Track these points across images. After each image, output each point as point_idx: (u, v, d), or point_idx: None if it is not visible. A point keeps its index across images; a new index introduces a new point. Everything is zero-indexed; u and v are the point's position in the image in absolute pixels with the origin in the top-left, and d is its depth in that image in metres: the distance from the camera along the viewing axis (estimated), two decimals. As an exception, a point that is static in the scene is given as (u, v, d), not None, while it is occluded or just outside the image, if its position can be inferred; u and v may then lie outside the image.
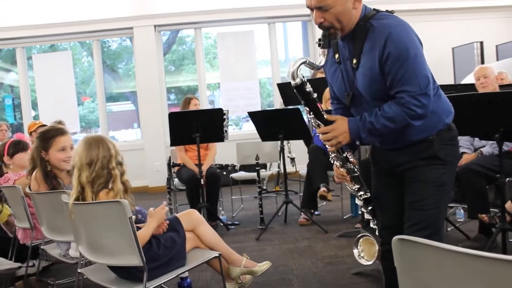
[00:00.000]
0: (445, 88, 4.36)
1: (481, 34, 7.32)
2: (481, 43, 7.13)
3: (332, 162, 2.05)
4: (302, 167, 4.90)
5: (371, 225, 2.10)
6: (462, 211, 4.13)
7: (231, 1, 7.26)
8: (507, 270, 0.90)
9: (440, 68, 7.19)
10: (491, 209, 3.41)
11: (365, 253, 2.03)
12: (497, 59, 7.22)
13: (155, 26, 7.32)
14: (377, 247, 1.99)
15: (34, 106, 7.69)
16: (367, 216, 2.08)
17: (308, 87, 1.84)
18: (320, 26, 1.80)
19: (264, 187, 5.87)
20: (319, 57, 1.81)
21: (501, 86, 4.41)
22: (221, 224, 4.50)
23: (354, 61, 1.84)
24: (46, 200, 2.64)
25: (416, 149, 1.88)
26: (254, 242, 4.02)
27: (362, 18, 1.81)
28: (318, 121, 1.90)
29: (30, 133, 5.13)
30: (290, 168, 5.63)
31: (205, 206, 4.36)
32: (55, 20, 7.15)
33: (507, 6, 7.89)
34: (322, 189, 4.14)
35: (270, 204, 5.26)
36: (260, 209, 4.43)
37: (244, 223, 4.68)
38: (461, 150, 3.79)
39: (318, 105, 1.90)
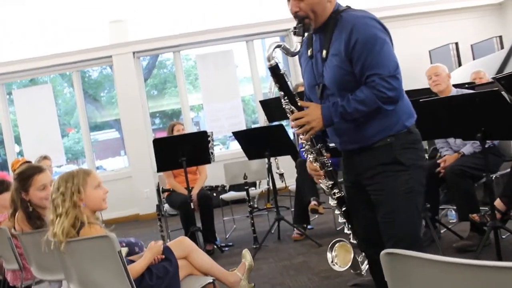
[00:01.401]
0: (423, 92, 4.44)
1: (456, 35, 7.44)
2: (456, 44, 7.24)
3: (305, 156, 2.04)
4: (291, 182, 4.90)
5: (345, 230, 2.09)
6: (453, 212, 4.14)
7: (208, 22, 7.29)
8: (498, 276, 0.90)
9: (419, 72, 7.28)
10: (481, 208, 3.43)
11: (339, 259, 2.00)
12: (474, 58, 7.33)
13: (133, 52, 7.33)
14: (352, 255, 1.97)
15: (18, 141, 7.61)
16: (341, 219, 2.07)
17: (283, 70, 1.87)
18: (295, 15, 1.85)
19: (255, 205, 5.85)
20: (294, 45, 1.86)
21: (478, 85, 4.48)
22: (215, 246, 4.46)
23: (324, 52, 1.88)
24: (32, 240, 2.59)
25: (376, 153, 1.89)
26: (249, 262, 3.99)
27: (334, 11, 1.87)
28: (292, 107, 1.91)
29: (14, 171, 5.06)
30: (279, 184, 5.62)
31: (199, 229, 4.32)
32: (34, 54, 7.11)
33: (479, 6, 8.06)
34: (313, 202, 4.13)
35: (263, 221, 5.23)
36: (253, 228, 4.40)
37: (238, 243, 4.65)
38: (444, 152, 3.82)
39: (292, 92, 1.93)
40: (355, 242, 2.08)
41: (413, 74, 7.64)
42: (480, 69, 5.26)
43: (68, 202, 2.11)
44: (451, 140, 3.80)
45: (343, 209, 2.04)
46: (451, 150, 3.78)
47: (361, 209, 2.03)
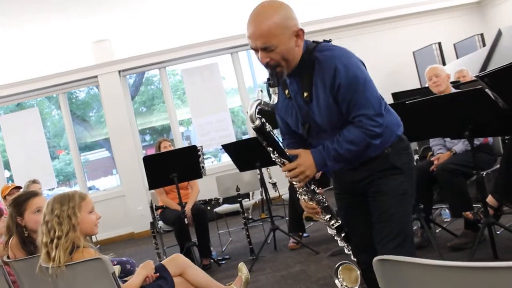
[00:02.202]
0: (410, 93, 4.47)
1: (438, 35, 7.53)
2: (439, 43, 7.32)
3: (299, 197, 2.05)
4: (285, 191, 4.89)
5: (346, 251, 2.10)
6: (447, 211, 4.15)
7: (192, 37, 7.31)
8: (492, 277, 0.89)
9: (404, 73, 7.37)
10: (474, 205, 3.45)
11: (346, 281, 2.00)
12: (457, 57, 7.41)
13: (119, 71, 7.31)
14: (358, 271, 1.98)
15: (7, 166, 7.55)
16: (340, 243, 2.08)
17: (268, 127, 1.85)
18: (267, 65, 1.84)
19: (250, 216, 5.83)
20: (272, 96, 1.84)
21: (463, 84, 4.52)
22: (212, 260, 4.43)
23: (305, 94, 1.89)
24: (25, 266, 2.55)
25: (374, 164, 1.94)
26: (247, 274, 3.96)
27: (304, 52, 1.87)
28: (283, 159, 1.91)
29: (4, 197, 5.01)
30: (273, 193, 5.62)
31: (195, 244, 4.29)
32: (19, 79, 7.09)
33: (459, 5, 8.18)
34: (307, 210, 4.12)
35: (258, 232, 5.21)
36: (248, 239, 4.38)
37: (235, 256, 4.62)
38: (437, 151, 3.84)
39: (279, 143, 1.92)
40: (355, 260, 2.08)
41: (398, 75, 7.74)
42: (463, 67, 5.31)
43: (66, 226, 2.10)
44: (447, 139, 3.82)
45: (343, 235, 2.05)
46: (444, 149, 3.81)
47: (356, 215, 2.06)
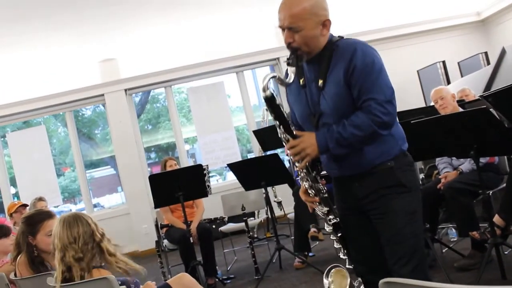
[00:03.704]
0: (415, 112, 4.48)
1: (442, 54, 7.58)
2: (443, 62, 7.36)
3: (300, 182, 2.05)
4: (290, 210, 4.88)
5: (341, 255, 2.08)
6: (454, 230, 4.13)
7: (198, 56, 7.38)
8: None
9: (409, 92, 7.39)
10: (481, 224, 3.42)
11: (335, 285, 1.97)
12: (461, 76, 7.44)
13: (125, 90, 7.37)
14: (348, 280, 1.96)
15: (13, 183, 7.58)
16: (336, 244, 2.07)
17: (278, 100, 1.87)
18: (289, 46, 1.89)
19: (255, 235, 5.81)
20: (288, 75, 1.89)
21: (467, 103, 4.52)
22: (217, 279, 4.41)
23: (320, 81, 1.91)
24: (32, 285, 2.55)
25: (378, 178, 1.91)
26: (252, 294, 3.94)
27: (328, 42, 1.91)
28: (288, 135, 1.92)
29: (11, 215, 5.02)
30: (278, 212, 5.60)
31: (200, 263, 4.28)
32: (27, 97, 7.16)
33: (463, 24, 8.24)
34: (312, 229, 4.11)
35: (264, 251, 5.18)
36: (254, 259, 4.36)
37: (240, 275, 4.60)
38: (443, 169, 3.84)
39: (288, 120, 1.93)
40: (351, 267, 2.07)
41: (403, 95, 7.75)
42: (465, 87, 5.32)
43: (90, 244, 2.16)
44: (453, 158, 3.82)
45: (339, 235, 2.03)
46: (450, 167, 3.80)
47: (359, 235, 2.03)
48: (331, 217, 2.02)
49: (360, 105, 1.85)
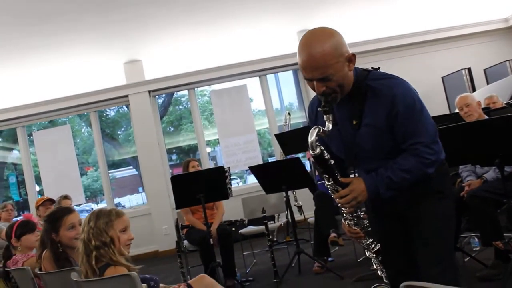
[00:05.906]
0: (439, 119, 4.42)
1: (468, 61, 7.47)
2: (469, 69, 7.25)
3: (343, 222, 2.04)
4: (310, 214, 4.87)
5: (379, 273, 2.08)
6: (476, 239, 4.06)
7: (222, 59, 7.44)
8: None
9: (433, 98, 7.30)
10: (505, 234, 3.36)
11: None
12: (487, 83, 7.32)
13: (149, 91, 7.48)
14: None
15: (38, 181, 7.75)
16: (376, 266, 2.07)
17: (327, 155, 1.84)
18: (323, 93, 1.82)
19: (275, 239, 5.81)
20: (326, 123, 1.81)
21: (493, 110, 4.45)
22: (236, 281, 4.42)
23: (354, 122, 1.89)
24: (56, 279, 2.60)
25: (417, 186, 1.90)
26: (271, 297, 3.95)
27: (356, 80, 1.87)
28: (337, 186, 1.90)
29: (37, 207, 5.15)
30: (298, 217, 5.59)
31: (219, 265, 4.30)
32: (53, 96, 7.32)
33: (490, 30, 8.11)
34: (332, 234, 4.10)
35: (283, 255, 5.18)
36: (273, 262, 4.36)
37: (259, 278, 4.60)
38: (466, 177, 3.79)
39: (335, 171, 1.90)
40: (387, 282, 2.07)
41: (427, 101, 7.64)
42: (493, 93, 5.24)
43: (96, 241, 2.21)
44: (477, 166, 3.76)
45: (380, 258, 2.05)
46: (473, 175, 3.75)
47: (395, 240, 2.05)
48: (373, 246, 2.03)
49: (406, 147, 1.85)
